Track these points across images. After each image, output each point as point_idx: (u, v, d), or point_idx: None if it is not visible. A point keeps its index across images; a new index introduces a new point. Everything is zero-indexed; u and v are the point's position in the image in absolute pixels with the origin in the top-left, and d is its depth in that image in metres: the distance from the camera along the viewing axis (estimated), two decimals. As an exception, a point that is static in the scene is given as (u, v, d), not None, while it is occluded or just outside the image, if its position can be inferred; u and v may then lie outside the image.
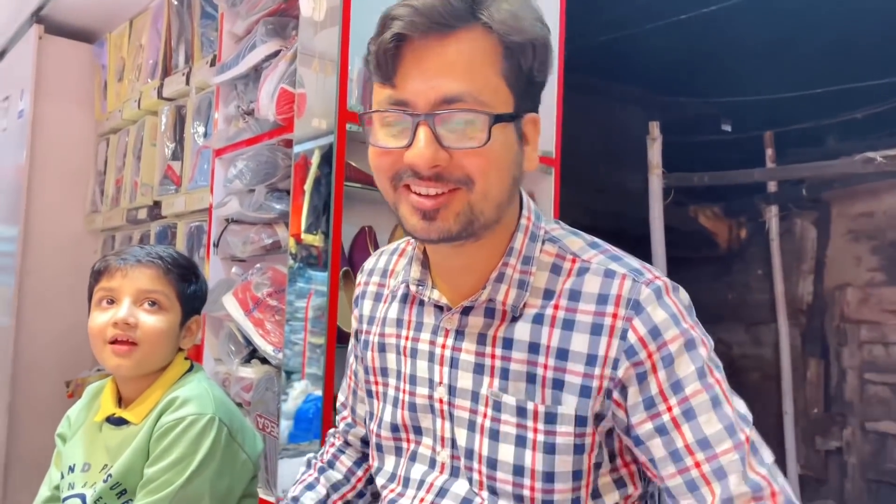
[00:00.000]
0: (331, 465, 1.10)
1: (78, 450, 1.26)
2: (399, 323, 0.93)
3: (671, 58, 3.20)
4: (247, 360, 1.73)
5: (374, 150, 0.80)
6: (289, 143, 1.69)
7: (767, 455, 0.77)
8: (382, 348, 0.95)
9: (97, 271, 1.24)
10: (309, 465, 1.11)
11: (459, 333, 0.86)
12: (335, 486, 1.07)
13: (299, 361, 1.53)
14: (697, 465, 0.75)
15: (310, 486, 1.07)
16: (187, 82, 2.32)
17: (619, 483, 0.84)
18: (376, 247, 1.67)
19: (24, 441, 2.81)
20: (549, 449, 0.80)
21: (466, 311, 0.86)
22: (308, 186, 1.56)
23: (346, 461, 1.09)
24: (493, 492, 0.83)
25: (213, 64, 2.09)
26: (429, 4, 0.73)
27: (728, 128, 3.84)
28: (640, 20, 3.12)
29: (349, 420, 1.10)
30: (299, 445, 1.53)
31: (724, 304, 4.01)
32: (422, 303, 0.91)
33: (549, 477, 0.80)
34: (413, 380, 0.90)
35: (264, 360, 1.72)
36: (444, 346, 0.87)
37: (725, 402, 0.77)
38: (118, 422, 1.23)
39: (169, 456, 1.14)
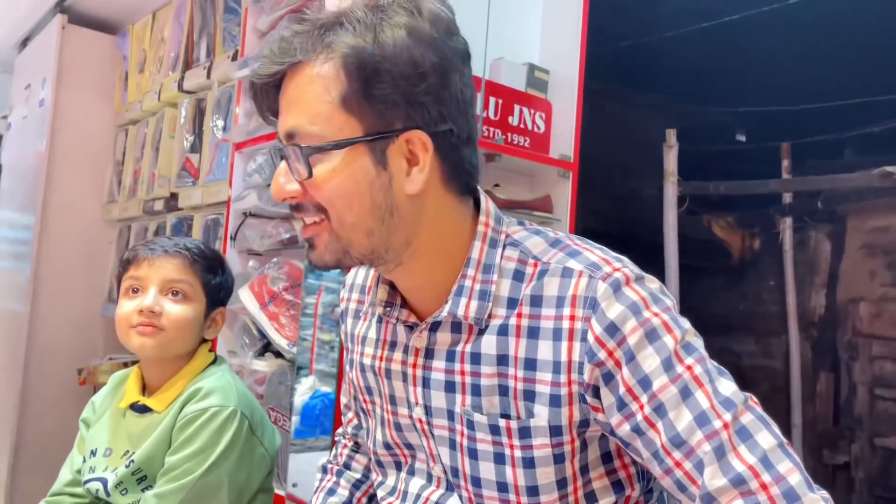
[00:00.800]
0: (347, 466, 1.10)
1: (101, 435, 1.28)
2: (375, 343, 0.92)
3: (691, 66, 3.20)
4: (260, 354, 1.74)
5: None
6: (309, 140, 1.70)
7: (766, 439, 0.69)
8: (363, 368, 0.94)
9: (126, 260, 1.26)
10: (325, 470, 1.10)
11: (429, 351, 0.84)
12: (356, 485, 1.07)
13: (308, 357, 1.54)
14: (678, 464, 0.70)
15: (331, 492, 1.07)
16: (208, 76, 2.33)
17: (617, 486, 0.82)
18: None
19: (35, 426, 2.83)
20: (528, 463, 0.78)
21: (434, 328, 0.84)
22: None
23: (361, 459, 1.10)
24: None
25: (234, 58, 2.10)
26: (270, 49, 0.77)
27: (745, 138, 3.83)
28: (660, 28, 3.12)
29: (355, 422, 1.10)
30: (305, 441, 1.54)
31: (735, 315, 3.99)
32: (394, 323, 0.89)
33: (532, 490, 0.79)
34: (392, 400, 0.89)
35: (278, 354, 1.73)
36: (415, 366, 0.85)
37: (698, 389, 0.71)
38: (142, 409, 1.25)
39: (190, 446, 1.16)
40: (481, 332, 0.80)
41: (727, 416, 0.70)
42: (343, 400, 1.12)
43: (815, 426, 3.95)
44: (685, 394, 0.71)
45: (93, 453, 1.27)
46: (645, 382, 0.72)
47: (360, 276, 1.00)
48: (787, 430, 3.80)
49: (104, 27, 3.11)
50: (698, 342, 0.76)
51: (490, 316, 0.80)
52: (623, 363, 0.73)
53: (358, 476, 1.08)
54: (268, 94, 0.79)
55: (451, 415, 0.83)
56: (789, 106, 3.38)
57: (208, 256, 1.29)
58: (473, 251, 0.82)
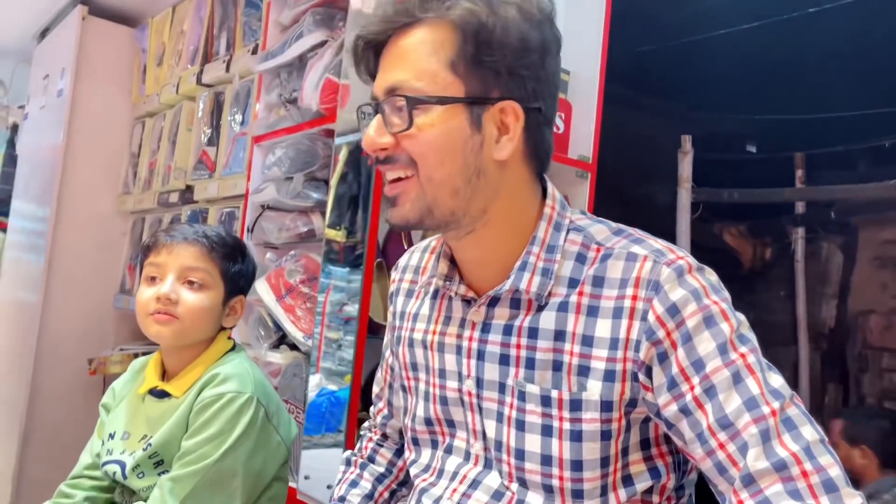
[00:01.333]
0: (371, 459, 1.10)
1: (120, 419, 1.29)
2: (428, 318, 0.94)
3: (707, 73, 3.20)
4: (276, 346, 1.75)
5: None
6: (329, 134, 1.71)
7: (810, 432, 0.72)
8: (412, 343, 0.96)
9: (146, 246, 1.27)
10: (349, 462, 1.11)
11: (486, 325, 0.87)
12: (379, 479, 1.08)
13: (316, 355, 1.54)
14: (721, 445, 0.73)
15: (353, 484, 1.07)
16: (227, 69, 2.34)
17: (654, 472, 0.83)
18: (410, 241, 1.67)
19: (44, 416, 2.84)
20: (576, 437, 0.80)
21: (493, 304, 0.87)
22: (334, 182, 1.57)
23: (385, 454, 1.10)
24: (523, 483, 0.83)
25: (254, 52, 2.11)
26: (385, 10, 0.82)
27: (759, 146, 3.83)
28: (679, 34, 3.12)
29: (385, 412, 1.10)
30: (312, 438, 1.53)
31: (745, 324, 3.98)
32: (450, 298, 0.92)
33: (577, 465, 0.80)
34: (442, 374, 0.91)
35: (293, 347, 1.73)
36: (471, 339, 0.88)
37: (750, 376, 0.74)
38: (160, 394, 1.26)
39: (207, 430, 1.16)
40: (540, 309, 0.83)
41: (775, 405, 0.73)
42: (375, 389, 1.12)
43: (823, 437, 3.90)
44: (737, 379, 0.74)
45: (111, 436, 1.28)
46: (698, 364, 0.75)
47: (413, 257, 1.03)
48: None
49: (124, 19, 3.12)
50: (752, 335, 0.79)
51: (550, 294, 0.83)
52: (679, 344, 0.76)
53: (381, 470, 1.08)
54: (369, 54, 0.84)
55: (502, 387, 0.85)
56: (804, 115, 3.38)
57: (228, 244, 1.29)
58: (539, 231, 0.85)
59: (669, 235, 3.65)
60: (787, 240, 3.89)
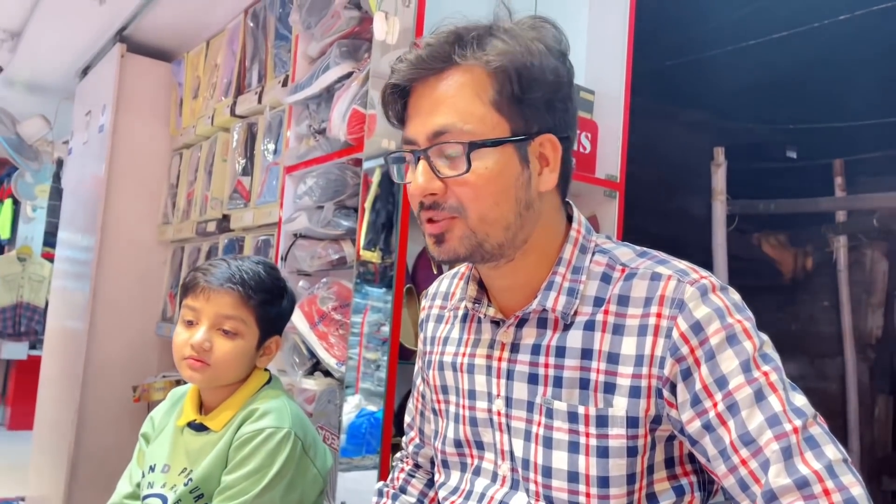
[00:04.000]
0: (403, 490, 1.11)
1: (160, 451, 1.32)
2: (458, 341, 0.96)
3: (738, 83, 3.17)
4: (310, 372, 1.77)
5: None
6: (358, 163, 1.74)
7: (832, 452, 0.72)
8: (442, 367, 0.98)
9: (185, 286, 1.30)
10: (381, 494, 1.12)
11: (515, 346, 0.89)
12: None
13: (354, 376, 1.56)
14: (744, 462, 0.74)
15: None
16: (259, 101, 2.40)
17: (678, 490, 0.84)
18: (440, 266, 1.69)
19: (91, 442, 2.91)
20: (602, 453, 0.81)
21: (521, 324, 0.89)
22: (368, 204, 1.60)
23: (417, 484, 1.11)
24: (550, 502, 0.84)
25: (284, 84, 2.16)
26: (417, 55, 0.83)
27: (795, 154, 3.77)
28: (707, 45, 3.10)
29: (417, 441, 1.11)
30: (352, 460, 1.55)
31: (788, 336, 3.90)
32: (479, 320, 0.94)
33: (603, 482, 0.81)
34: (472, 395, 0.93)
35: (327, 373, 1.75)
36: (500, 360, 0.90)
37: (773, 393, 0.75)
38: (199, 427, 1.29)
39: (247, 465, 1.19)
40: (566, 328, 0.85)
41: (797, 422, 0.74)
42: (406, 419, 1.14)
43: (873, 451, 3.82)
44: (759, 396, 0.75)
45: (151, 469, 1.31)
46: (721, 381, 0.76)
47: (443, 285, 1.06)
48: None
49: (161, 55, 3.22)
50: (775, 354, 0.80)
51: (576, 313, 0.85)
52: (703, 361, 0.77)
53: (413, 501, 1.10)
54: (396, 99, 0.87)
55: (530, 406, 0.87)
56: (842, 122, 3.31)
57: (265, 288, 1.29)
58: (565, 253, 0.88)
59: (705, 249, 3.61)
60: (828, 248, 3.81)
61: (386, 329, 1.52)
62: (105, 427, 2.92)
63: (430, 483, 1.11)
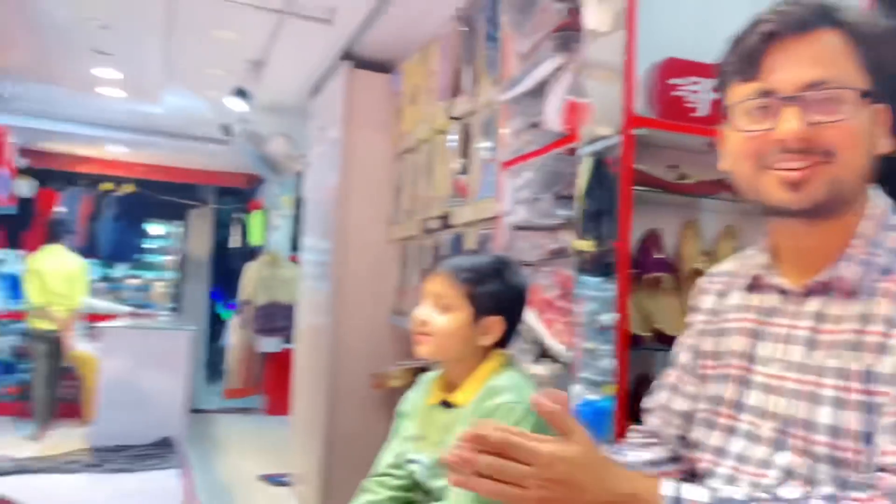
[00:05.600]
0: (656, 434, 1.12)
1: (415, 426, 1.49)
2: (739, 308, 0.99)
3: None
4: (539, 358, 1.83)
5: (738, 136, 0.91)
6: (573, 152, 1.76)
7: None
8: (720, 333, 1.01)
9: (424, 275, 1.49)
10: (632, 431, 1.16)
11: (799, 313, 0.91)
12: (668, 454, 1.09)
13: (576, 365, 1.58)
14: None
15: (643, 447, 1.10)
16: (474, 101, 2.51)
17: None
18: (662, 250, 1.67)
19: (343, 424, 3.25)
20: (869, 409, 0.81)
21: (809, 293, 0.91)
22: (580, 193, 1.62)
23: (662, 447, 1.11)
24: (813, 457, 0.84)
25: (496, 83, 2.24)
26: (791, 12, 0.88)
27: None
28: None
29: (660, 423, 1.11)
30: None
31: None
32: (764, 290, 0.97)
33: (867, 438, 0.80)
34: (750, 357, 0.95)
35: (554, 360, 1.80)
36: (782, 325, 0.92)
37: None
38: (446, 405, 1.43)
39: None
40: (854, 295, 0.87)
41: None
42: (649, 404, 1.14)
43: None
44: None
45: (409, 440, 1.47)
46: None
47: (726, 265, 1.09)
48: None
49: (381, 67, 3.48)
50: None
51: (864, 283, 0.87)
52: None
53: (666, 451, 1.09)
54: (761, 45, 0.90)
55: (803, 367, 0.89)
56: None
57: (477, 269, 1.43)
58: (866, 228, 0.90)
59: None
60: None
61: (604, 318, 1.53)
62: (354, 411, 3.23)
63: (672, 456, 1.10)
